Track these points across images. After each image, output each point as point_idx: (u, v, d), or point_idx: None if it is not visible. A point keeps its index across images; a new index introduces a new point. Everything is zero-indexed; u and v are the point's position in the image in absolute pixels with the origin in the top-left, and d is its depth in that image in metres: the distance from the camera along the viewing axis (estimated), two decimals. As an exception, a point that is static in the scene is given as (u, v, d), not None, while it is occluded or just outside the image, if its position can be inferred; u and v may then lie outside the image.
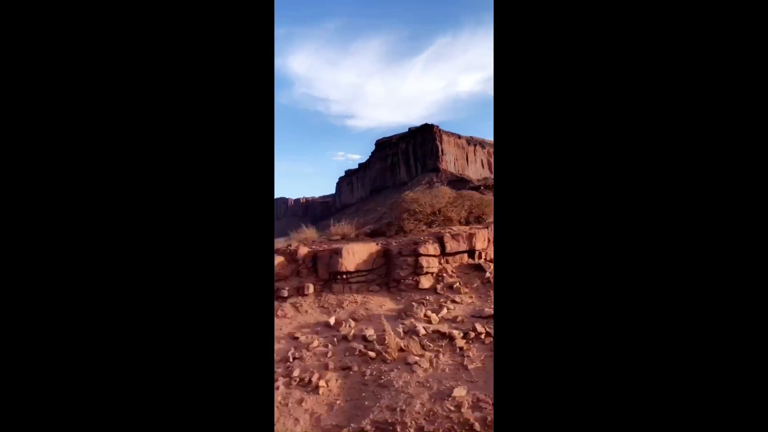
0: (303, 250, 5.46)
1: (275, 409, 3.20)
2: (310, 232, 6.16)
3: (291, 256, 5.48)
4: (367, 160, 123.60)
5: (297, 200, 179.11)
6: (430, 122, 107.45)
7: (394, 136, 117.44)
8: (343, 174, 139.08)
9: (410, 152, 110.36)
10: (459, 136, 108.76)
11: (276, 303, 5.05)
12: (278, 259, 5.29)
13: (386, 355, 3.52)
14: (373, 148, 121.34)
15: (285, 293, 5.04)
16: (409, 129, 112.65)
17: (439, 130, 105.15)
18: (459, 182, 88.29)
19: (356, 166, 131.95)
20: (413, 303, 4.60)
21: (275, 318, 4.81)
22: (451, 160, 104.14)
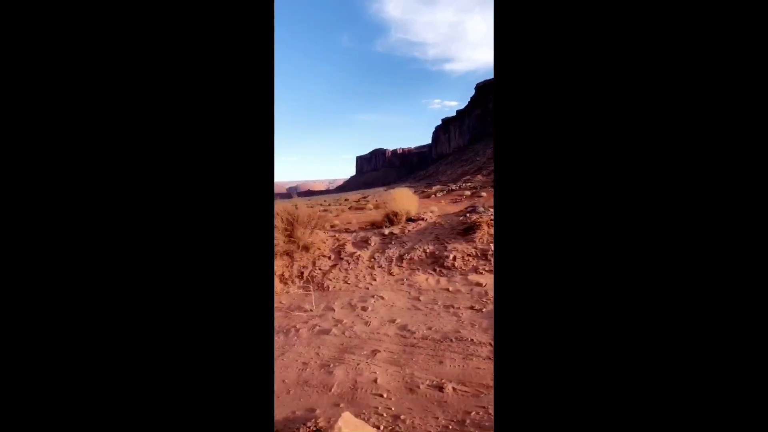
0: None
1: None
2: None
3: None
4: (466, 107, 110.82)
5: (394, 151, 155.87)
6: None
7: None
8: (439, 123, 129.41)
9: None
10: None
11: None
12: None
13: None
14: (472, 93, 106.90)
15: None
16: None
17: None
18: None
19: (454, 114, 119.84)
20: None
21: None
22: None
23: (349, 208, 15.37)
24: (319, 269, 6.71)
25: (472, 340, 4.07)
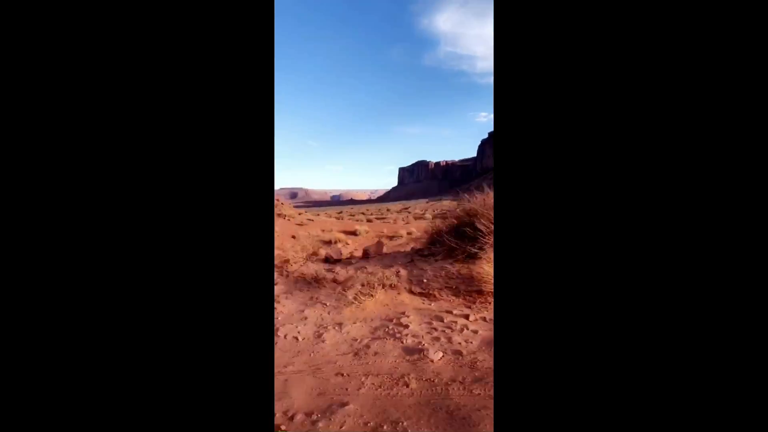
0: None
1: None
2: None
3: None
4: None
5: (437, 163, 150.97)
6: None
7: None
8: (485, 136, 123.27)
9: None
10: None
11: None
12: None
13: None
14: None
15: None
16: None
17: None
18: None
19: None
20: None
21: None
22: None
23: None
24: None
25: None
